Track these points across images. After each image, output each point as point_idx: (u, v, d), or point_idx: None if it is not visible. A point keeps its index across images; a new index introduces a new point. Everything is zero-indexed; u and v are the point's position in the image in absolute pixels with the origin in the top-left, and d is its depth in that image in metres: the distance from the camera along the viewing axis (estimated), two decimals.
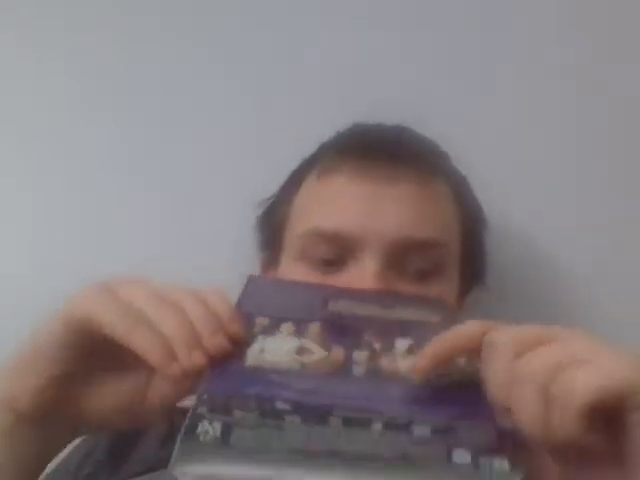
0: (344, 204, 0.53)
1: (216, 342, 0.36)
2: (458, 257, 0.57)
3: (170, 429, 0.54)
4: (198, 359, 0.35)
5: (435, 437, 0.32)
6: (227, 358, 0.36)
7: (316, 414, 0.33)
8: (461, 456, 0.31)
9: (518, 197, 0.69)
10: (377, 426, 0.32)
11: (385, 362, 0.39)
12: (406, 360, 0.39)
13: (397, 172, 0.54)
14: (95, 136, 0.72)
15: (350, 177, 0.54)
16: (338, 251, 0.53)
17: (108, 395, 0.40)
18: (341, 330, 0.42)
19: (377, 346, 0.40)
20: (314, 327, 0.41)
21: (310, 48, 0.71)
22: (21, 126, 0.72)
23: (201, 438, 0.31)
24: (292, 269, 0.55)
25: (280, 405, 0.33)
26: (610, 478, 0.34)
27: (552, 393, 0.31)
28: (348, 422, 0.32)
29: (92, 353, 0.38)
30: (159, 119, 0.71)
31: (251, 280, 0.48)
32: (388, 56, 0.71)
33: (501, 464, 0.31)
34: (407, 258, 0.52)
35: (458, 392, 0.37)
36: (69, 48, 0.72)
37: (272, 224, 0.61)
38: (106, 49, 0.72)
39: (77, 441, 0.55)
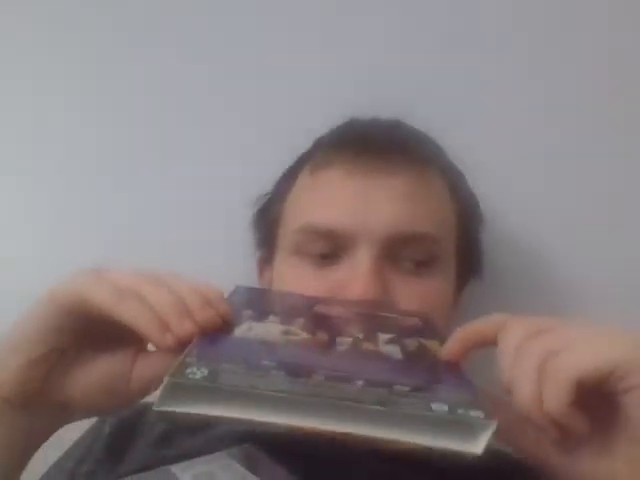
0: (337, 199, 0.53)
1: (206, 314, 0.37)
2: (454, 251, 0.56)
3: (168, 427, 0.53)
4: (190, 327, 0.36)
5: (414, 393, 0.33)
6: (216, 331, 0.38)
7: (299, 370, 0.34)
8: (439, 406, 0.32)
9: (516, 193, 0.69)
10: (358, 382, 0.33)
11: (367, 345, 0.40)
12: (388, 346, 0.41)
13: (391, 166, 0.53)
14: (96, 135, 0.73)
15: (343, 171, 0.54)
16: (332, 246, 0.53)
17: (93, 376, 0.40)
18: (325, 324, 0.44)
19: (360, 336, 0.42)
20: (299, 320, 0.43)
21: (310, 46, 0.72)
22: (22, 124, 0.73)
23: (189, 377, 0.31)
24: (287, 265, 0.55)
25: (266, 362, 0.34)
26: (597, 465, 0.36)
27: (546, 370, 0.34)
28: (330, 379, 0.33)
29: (78, 333, 0.39)
30: (159, 118, 0.73)
31: (238, 288, 0.49)
32: (387, 55, 0.71)
33: (477, 413, 0.32)
34: (401, 252, 0.52)
35: (439, 365, 0.39)
36: (70, 47, 0.73)
37: (267, 221, 0.62)
38: (107, 49, 0.73)
39: (75, 438, 0.56)
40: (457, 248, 0.57)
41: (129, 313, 0.36)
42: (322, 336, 0.40)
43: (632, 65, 0.70)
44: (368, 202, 0.53)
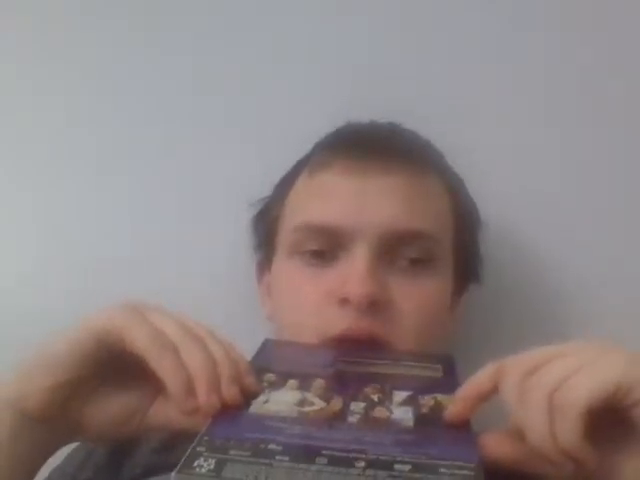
0: (334, 198, 0.54)
1: (232, 392, 0.40)
2: (451, 252, 0.57)
3: (168, 435, 0.54)
4: (214, 403, 0.39)
5: (413, 473, 0.34)
6: (235, 406, 0.40)
7: (304, 454, 0.35)
8: None
9: (516, 196, 0.69)
10: (360, 464, 0.35)
11: (379, 411, 0.41)
12: (400, 409, 0.41)
13: (388, 166, 0.54)
14: (96, 136, 0.74)
15: (341, 172, 0.55)
16: (329, 244, 0.54)
17: (109, 408, 0.42)
18: (344, 385, 0.45)
19: (375, 397, 0.43)
20: (318, 382, 0.44)
21: (311, 48, 0.73)
22: (22, 125, 0.75)
23: (197, 470, 0.34)
24: (285, 265, 0.57)
25: (272, 446, 0.36)
26: None
27: (555, 403, 0.34)
28: (333, 461, 0.35)
29: (105, 364, 0.41)
30: (158, 119, 0.74)
31: (267, 342, 0.52)
32: (388, 56, 0.72)
33: None
34: (398, 250, 0.53)
35: (447, 434, 0.39)
36: (69, 48, 0.74)
37: (266, 223, 0.63)
38: (106, 48, 0.74)
39: (74, 444, 0.55)
40: (454, 249, 0.58)
41: (164, 367, 0.39)
42: (336, 403, 0.42)
43: (632, 65, 0.69)
44: (365, 200, 0.54)
